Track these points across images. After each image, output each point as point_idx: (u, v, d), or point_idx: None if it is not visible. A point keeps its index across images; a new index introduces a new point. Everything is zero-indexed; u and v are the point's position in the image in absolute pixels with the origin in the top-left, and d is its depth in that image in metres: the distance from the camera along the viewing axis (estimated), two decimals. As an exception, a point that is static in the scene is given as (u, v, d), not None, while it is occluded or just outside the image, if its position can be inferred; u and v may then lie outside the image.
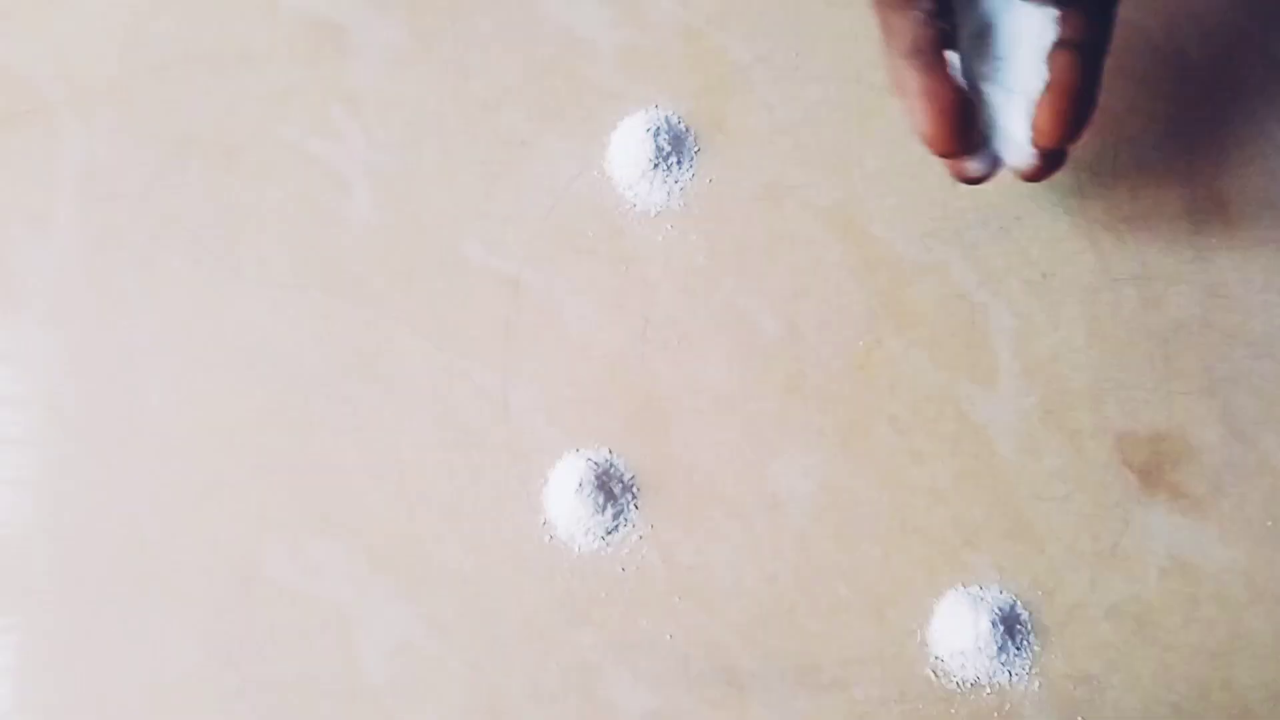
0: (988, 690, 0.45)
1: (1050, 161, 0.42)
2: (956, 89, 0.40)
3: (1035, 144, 0.41)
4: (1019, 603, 0.46)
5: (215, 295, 0.50)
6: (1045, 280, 0.48)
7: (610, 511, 0.47)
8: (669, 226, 0.49)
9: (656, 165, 0.49)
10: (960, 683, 0.45)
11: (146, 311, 0.50)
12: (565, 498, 0.47)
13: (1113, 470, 0.47)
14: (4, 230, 0.50)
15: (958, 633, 0.45)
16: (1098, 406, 0.47)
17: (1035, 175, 0.43)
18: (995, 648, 0.45)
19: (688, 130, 0.50)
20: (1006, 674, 0.45)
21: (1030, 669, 0.46)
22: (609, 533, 0.47)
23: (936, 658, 0.46)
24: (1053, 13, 0.40)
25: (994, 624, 0.45)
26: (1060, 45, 0.40)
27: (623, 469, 0.48)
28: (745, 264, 0.49)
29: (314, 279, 0.50)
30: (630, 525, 0.47)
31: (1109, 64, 0.49)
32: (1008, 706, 0.45)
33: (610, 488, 0.47)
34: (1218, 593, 0.46)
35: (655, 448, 0.48)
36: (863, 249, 0.49)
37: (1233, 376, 0.47)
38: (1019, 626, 0.46)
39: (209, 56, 0.51)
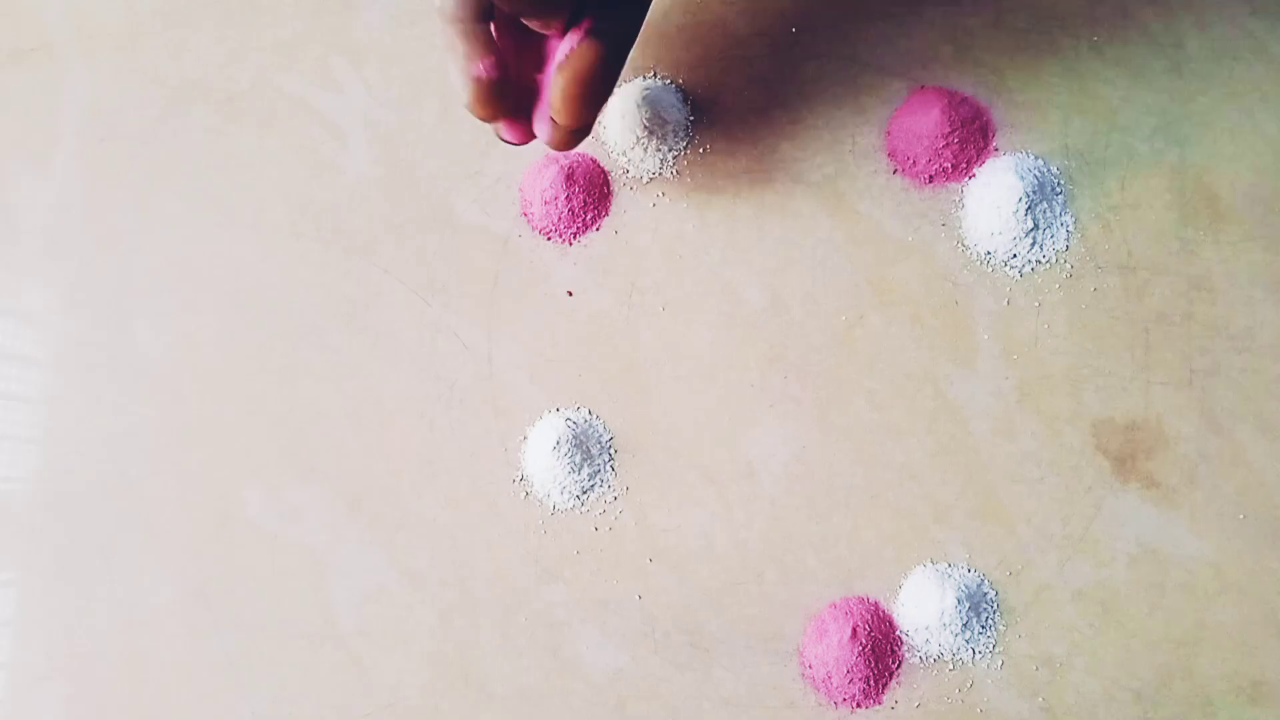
0: (950, 666, 0.46)
1: (573, 136, 0.43)
2: (493, 59, 0.40)
3: (553, 118, 0.42)
4: (986, 581, 0.46)
5: (210, 240, 0.51)
6: (1029, 265, 0.48)
7: (586, 471, 0.48)
8: (660, 194, 0.50)
9: (651, 133, 0.49)
10: (923, 657, 0.46)
11: (142, 253, 0.51)
12: (543, 456, 0.47)
13: (1087, 456, 0.47)
14: (4, 167, 0.51)
15: (923, 608, 0.46)
16: (1075, 392, 0.47)
17: (557, 146, 0.43)
18: (960, 624, 0.45)
19: (684, 100, 0.50)
20: (970, 651, 0.46)
21: (994, 647, 0.46)
22: (584, 492, 0.48)
23: (901, 631, 0.46)
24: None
25: (960, 601, 0.45)
26: (580, 32, 0.41)
27: (601, 430, 0.48)
28: (733, 234, 0.49)
29: (307, 228, 0.50)
30: (606, 486, 0.48)
31: (1106, 52, 0.49)
32: (970, 683, 0.46)
33: (588, 448, 0.48)
34: (1185, 582, 0.46)
35: (634, 411, 0.48)
36: (850, 226, 0.49)
37: (1212, 369, 0.47)
38: (985, 605, 0.46)
39: (215, 4, 0.52)
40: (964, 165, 0.48)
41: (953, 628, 0.45)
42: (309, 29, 0.52)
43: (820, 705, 0.46)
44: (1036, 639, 0.46)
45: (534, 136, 0.43)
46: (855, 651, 0.45)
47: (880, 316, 0.48)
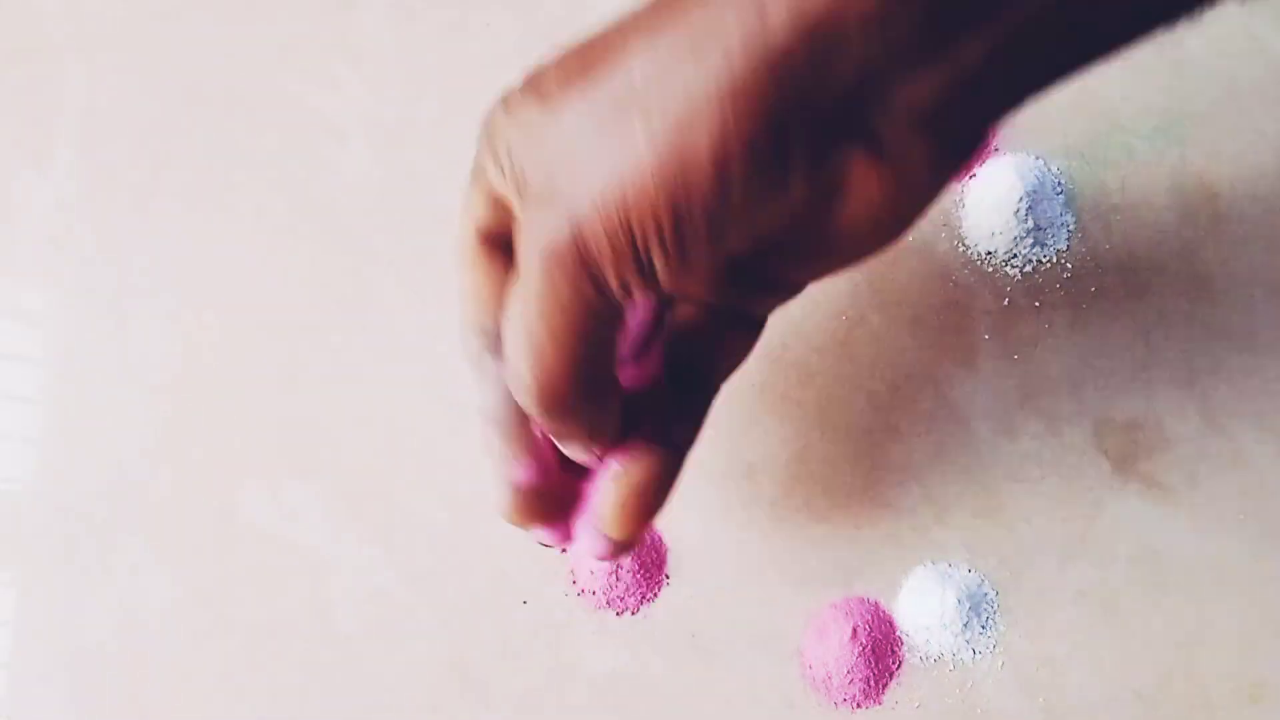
0: (951, 667, 0.46)
1: (618, 547, 0.37)
2: (535, 464, 0.36)
3: (599, 529, 0.36)
4: (986, 581, 0.46)
5: (210, 240, 0.51)
6: (1029, 265, 0.48)
7: (586, 471, 0.47)
8: (660, 194, 0.50)
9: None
10: (923, 658, 0.46)
11: (141, 254, 0.51)
12: (542, 455, 0.47)
13: (1087, 456, 0.47)
14: (4, 167, 0.51)
15: (924, 608, 0.46)
16: (1076, 392, 0.48)
17: (603, 558, 0.37)
18: (960, 625, 0.45)
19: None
20: (970, 651, 0.46)
21: (994, 648, 0.46)
22: (584, 492, 0.48)
23: (901, 631, 0.46)
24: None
25: (960, 601, 0.45)
26: (642, 439, 0.35)
27: (601, 430, 0.48)
28: (733, 234, 0.49)
29: (307, 229, 0.50)
30: (605, 486, 0.48)
31: (1104, 52, 0.49)
32: (970, 684, 0.46)
33: (588, 448, 0.47)
34: (1186, 583, 0.46)
35: (634, 411, 0.48)
36: (851, 225, 0.49)
37: (1212, 369, 0.47)
38: (985, 605, 0.46)
39: (215, 4, 0.52)
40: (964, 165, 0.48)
41: (953, 628, 0.45)
42: (309, 29, 0.52)
43: (820, 705, 0.46)
44: (1037, 639, 0.46)
45: (570, 542, 0.38)
46: (855, 651, 0.45)
47: (880, 316, 0.48)
